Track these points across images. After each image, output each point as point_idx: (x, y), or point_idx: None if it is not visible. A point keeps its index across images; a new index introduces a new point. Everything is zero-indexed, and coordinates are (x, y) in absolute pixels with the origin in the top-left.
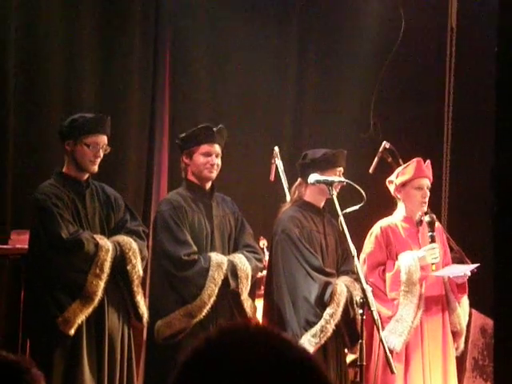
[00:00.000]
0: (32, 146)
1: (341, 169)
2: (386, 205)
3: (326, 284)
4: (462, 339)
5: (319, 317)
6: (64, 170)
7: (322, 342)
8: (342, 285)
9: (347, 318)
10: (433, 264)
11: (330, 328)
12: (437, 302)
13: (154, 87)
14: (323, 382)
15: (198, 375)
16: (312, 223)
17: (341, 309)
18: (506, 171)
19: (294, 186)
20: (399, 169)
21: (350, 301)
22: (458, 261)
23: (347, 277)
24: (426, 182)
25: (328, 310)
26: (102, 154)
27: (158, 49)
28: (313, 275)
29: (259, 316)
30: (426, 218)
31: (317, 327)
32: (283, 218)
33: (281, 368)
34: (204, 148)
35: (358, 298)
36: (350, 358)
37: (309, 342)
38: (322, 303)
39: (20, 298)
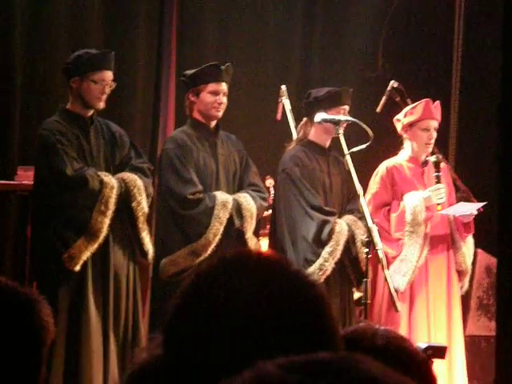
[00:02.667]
0: (38, 81)
1: (346, 107)
2: (394, 144)
3: (324, 222)
4: (467, 278)
5: (318, 255)
6: (68, 106)
7: (322, 280)
8: (342, 223)
9: (351, 257)
10: (438, 204)
11: (330, 266)
12: (442, 241)
13: (160, 26)
14: (327, 312)
15: (202, 298)
16: (315, 162)
17: (341, 247)
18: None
19: (300, 125)
20: (407, 108)
21: (351, 239)
22: (464, 200)
23: (351, 215)
24: (434, 124)
25: (327, 249)
26: (108, 91)
27: None
28: (311, 214)
29: None
30: (432, 159)
31: (315, 265)
32: (285, 157)
33: (283, 293)
34: (212, 86)
35: (363, 237)
36: (356, 295)
37: None
38: (320, 241)
39: (27, 234)
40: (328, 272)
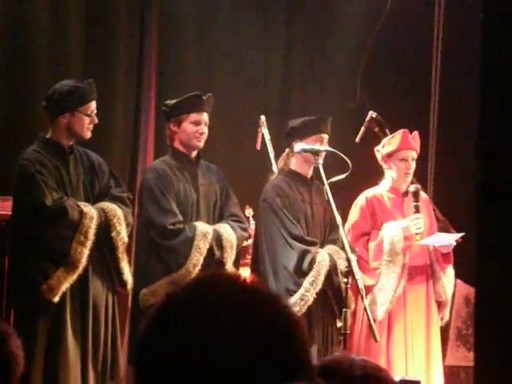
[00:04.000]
0: (17, 110)
1: (324, 135)
2: (374, 174)
3: (305, 252)
4: (447, 309)
5: (299, 285)
6: (49, 135)
7: (303, 310)
8: (323, 253)
9: (334, 287)
10: (417, 234)
11: (311, 296)
12: (421, 272)
13: (140, 54)
14: (299, 340)
15: (169, 323)
16: (297, 192)
17: (322, 277)
18: (490, 143)
19: (282, 156)
20: (386, 139)
21: (333, 269)
22: (443, 230)
23: (333, 245)
24: (412, 154)
25: (308, 279)
26: (96, 120)
27: (144, 14)
28: (291, 244)
29: None
30: (411, 189)
31: (297, 295)
32: (267, 187)
33: (255, 317)
34: (193, 117)
35: (342, 266)
36: (339, 325)
37: None
38: (301, 272)
39: (4, 265)
40: (310, 302)
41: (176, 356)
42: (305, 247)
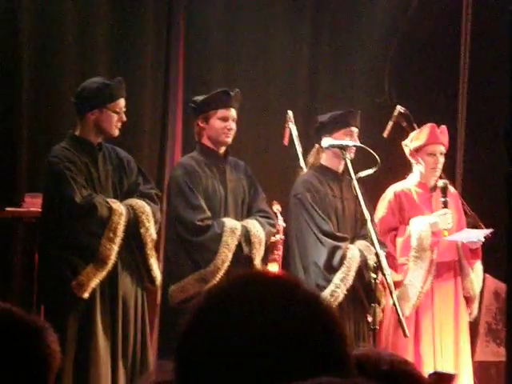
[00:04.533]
0: (45, 108)
1: (353, 129)
2: (402, 169)
3: (335, 248)
4: (476, 304)
5: (329, 281)
6: (77, 132)
7: (333, 306)
8: (354, 249)
9: (364, 283)
10: (445, 230)
11: (341, 292)
12: (449, 268)
13: (167, 51)
14: (339, 335)
15: (213, 317)
16: (327, 187)
17: (352, 273)
18: None
19: (312, 151)
20: (413, 133)
21: (364, 265)
22: (471, 226)
23: (364, 241)
24: (440, 149)
25: (338, 275)
26: (124, 118)
27: (172, 11)
28: (322, 239)
29: None
30: (439, 184)
31: (327, 291)
32: (297, 182)
33: (296, 314)
34: (222, 112)
35: (371, 262)
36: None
37: None
38: (331, 267)
39: (34, 262)
40: (340, 298)
41: (217, 353)
42: (335, 243)
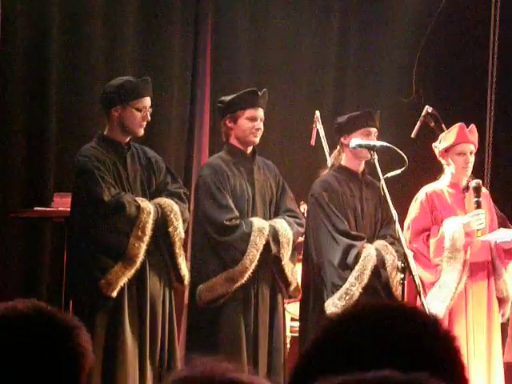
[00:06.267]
0: (74, 107)
1: (371, 129)
2: (429, 170)
3: (350, 247)
4: (509, 305)
5: (344, 279)
6: (106, 132)
7: (349, 305)
8: (370, 248)
9: (382, 282)
10: (478, 230)
11: (357, 291)
12: (482, 268)
13: (194, 52)
14: (459, 362)
15: (342, 338)
16: (346, 187)
17: (368, 272)
18: None
19: (334, 152)
20: (442, 134)
21: (381, 264)
22: (500, 226)
23: (382, 240)
24: (469, 147)
25: (353, 273)
26: (149, 117)
27: (200, 11)
28: (337, 238)
29: (299, 281)
30: (472, 184)
31: (342, 290)
32: (315, 182)
33: (425, 346)
34: (249, 112)
35: (399, 262)
36: None
37: (334, 304)
38: (345, 266)
39: (63, 261)
40: (355, 297)
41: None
42: (350, 242)
